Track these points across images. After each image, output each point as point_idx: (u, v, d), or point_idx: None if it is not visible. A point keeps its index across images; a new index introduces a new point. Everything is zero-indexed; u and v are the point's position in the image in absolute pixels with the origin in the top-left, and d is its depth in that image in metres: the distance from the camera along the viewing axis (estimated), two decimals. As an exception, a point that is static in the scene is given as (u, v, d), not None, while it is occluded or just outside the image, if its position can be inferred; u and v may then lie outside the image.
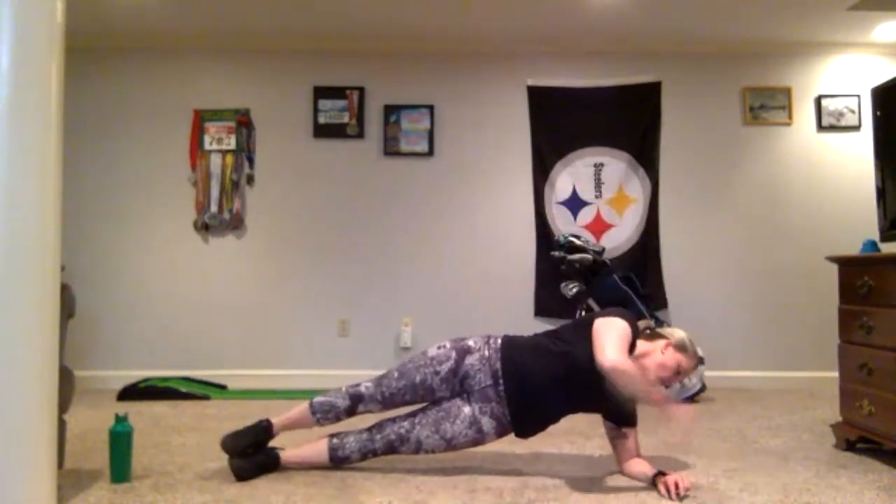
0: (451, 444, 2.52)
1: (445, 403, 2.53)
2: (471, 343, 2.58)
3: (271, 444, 2.61)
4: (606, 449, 2.73)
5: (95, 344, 4.70)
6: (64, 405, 2.43)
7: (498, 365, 2.51)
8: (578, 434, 3.14)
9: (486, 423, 2.50)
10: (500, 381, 2.50)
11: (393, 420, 2.56)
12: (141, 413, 3.71)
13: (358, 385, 2.58)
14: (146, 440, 3.06)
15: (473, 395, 2.52)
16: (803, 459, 2.80)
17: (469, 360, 2.54)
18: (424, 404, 2.59)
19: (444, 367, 2.53)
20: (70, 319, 2.51)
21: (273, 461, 2.54)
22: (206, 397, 4.32)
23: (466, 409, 2.51)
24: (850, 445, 2.92)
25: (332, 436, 2.56)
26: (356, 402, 2.55)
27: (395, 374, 2.57)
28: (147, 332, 4.80)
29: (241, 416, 3.55)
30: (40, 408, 2.03)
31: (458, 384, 2.53)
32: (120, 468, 2.45)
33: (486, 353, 2.54)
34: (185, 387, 4.43)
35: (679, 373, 2.51)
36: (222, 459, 2.55)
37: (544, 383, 2.48)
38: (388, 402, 2.56)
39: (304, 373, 4.75)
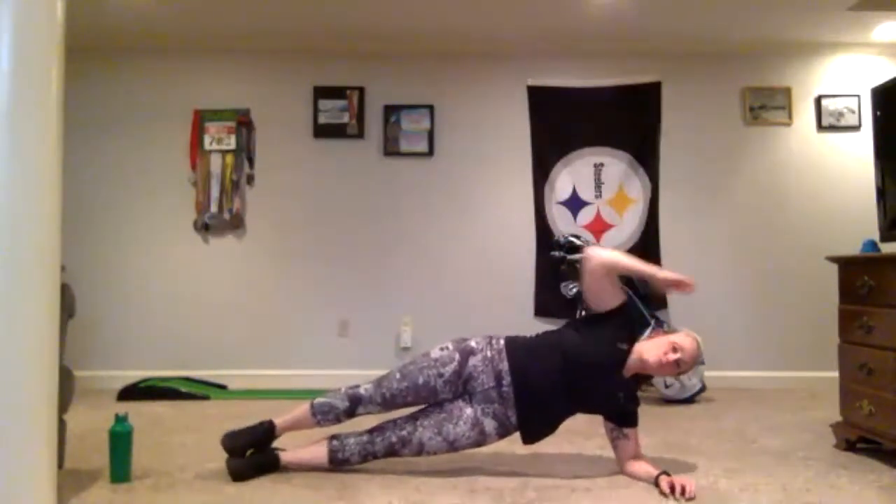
0: (453, 446, 2.52)
1: (447, 405, 2.53)
2: (473, 344, 2.58)
3: (274, 445, 2.61)
4: (606, 449, 2.72)
5: (95, 344, 4.70)
6: (64, 405, 2.43)
7: (501, 366, 2.51)
8: (578, 434, 3.13)
9: (489, 425, 2.50)
10: (504, 382, 2.50)
11: (394, 422, 2.55)
12: (141, 413, 3.70)
13: (357, 387, 2.57)
14: (146, 440, 3.05)
15: (475, 396, 2.52)
16: (803, 459, 2.81)
17: (472, 361, 2.54)
18: (424, 406, 2.58)
19: (448, 369, 2.53)
20: (70, 319, 2.51)
21: (272, 462, 2.54)
22: (206, 397, 4.32)
23: (468, 411, 2.51)
24: (850, 445, 2.92)
25: (332, 437, 2.56)
26: (355, 404, 2.54)
27: (397, 376, 2.56)
28: (147, 332, 4.80)
29: (241, 416, 3.54)
30: (40, 408, 2.03)
31: (462, 386, 2.53)
32: (120, 468, 2.45)
33: (489, 354, 2.54)
34: (185, 387, 4.43)
35: (676, 350, 2.47)
36: (222, 459, 2.55)
37: (545, 380, 2.49)
38: (388, 403, 2.55)
39: (304, 373, 4.74)
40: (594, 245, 2.55)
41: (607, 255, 2.58)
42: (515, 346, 2.57)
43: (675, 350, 2.48)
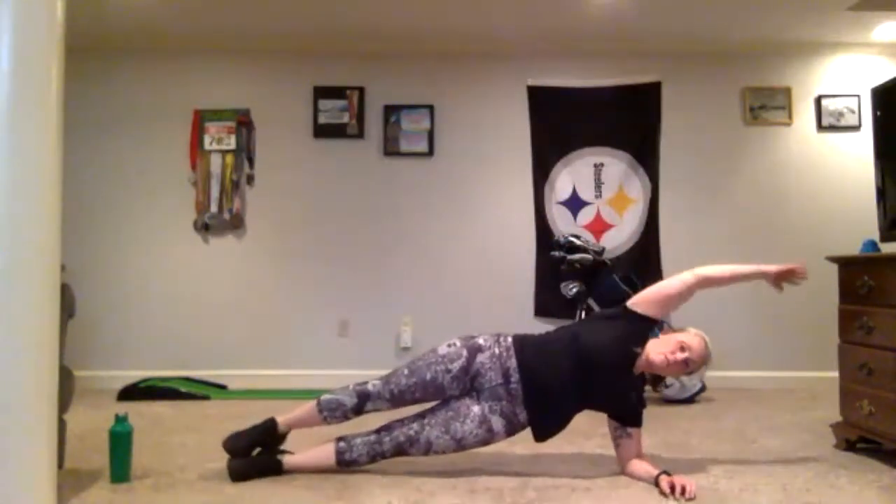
0: (461, 444, 2.51)
1: (454, 403, 2.53)
2: (481, 341, 2.58)
3: (283, 447, 2.61)
4: (606, 449, 2.73)
5: (95, 344, 4.69)
6: (64, 405, 2.43)
7: (509, 363, 2.51)
8: (578, 434, 3.13)
9: (496, 422, 2.50)
10: (512, 379, 2.49)
11: (401, 421, 2.54)
12: (141, 413, 3.70)
13: (365, 383, 2.56)
14: (146, 440, 3.05)
15: (483, 393, 2.51)
16: (803, 459, 2.80)
17: (480, 358, 2.53)
18: (431, 405, 2.58)
19: (456, 366, 2.52)
20: (70, 319, 2.51)
21: (275, 465, 2.53)
22: (206, 397, 4.32)
23: (476, 409, 2.50)
24: (850, 445, 2.92)
25: (339, 439, 2.54)
26: (364, 400, 2.53)
27: (405, 372, 2.56)
28: (147, 332, 4.80)
29: (242, 416, 3.54)
30: (40, 408, 2.03)
31: (469, 382, 2.53)
32: (120, 468, 2.45)
33: (497, 350, 2.54)
34: (185, 387, 4.43)
35: (684, 349, 2.47)
36: (222, 459, 2.55)
37: (555, 378, 2.48)
38: (396, 400, 2.55)
39: (305, 373, 4.74)
40: (700, 268, 2.60)
41: (711, 270, 2.60)
42: (524, 344, 2.57)
43: (682, 349, 2.47)
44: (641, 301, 2.59)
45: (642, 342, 2.53)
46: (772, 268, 2.60)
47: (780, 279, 2.61)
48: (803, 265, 2.59)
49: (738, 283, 2.71)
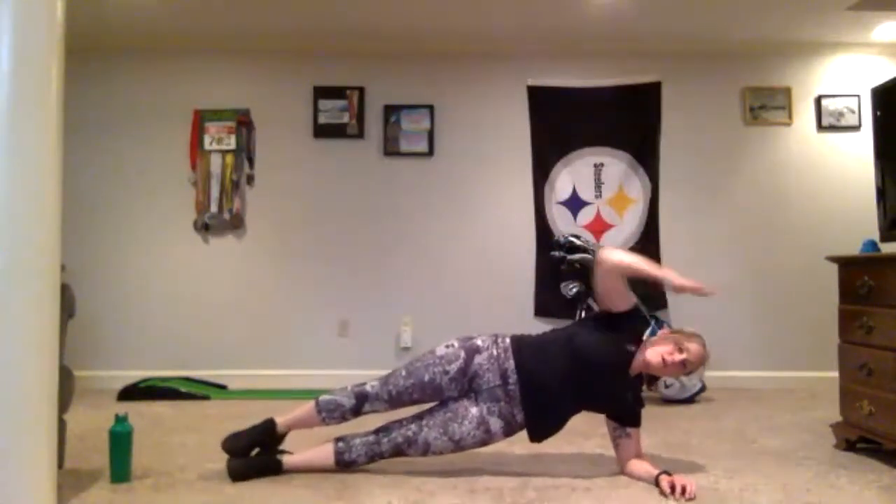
0: (459, 446, 2.52)
1: (452, 404, 2.53)
2: (479, 342, 2.58)
3: (282, 447, 2.62)
4: (606, 449, 2.73)
5: (95, 344, 4.69)
6: (64, 405, 2.43)
7: (507, 364, 2.51)
8: (578, 434, 3.13)
9: (495, 424, 2.50)
10: (510, 380, 2.50)
11: (399, 422, 2.54)
12: (141, 413, 3.70)
13: (363, 384, 2.57)
14: (146, 440, 3.05)
15: (481, 394, 2.52)
16: (803, 459, 2.81)
17: (478, 359, 2.53)
18: (430, 405, 2.58)
19: (454, 367, 2.53)
20: (70, 319, 2.51)
21: (274, 465, 2.53)
22: (206, 397, 4.32)
23: (474, 410, 2.51)
24: (850, 445, 2.92)
25: (337, 439, 2.55)
26: (362, 401, 2.53)
27: (403, 373, 2.56)
28: (147, 332, 4.80)
29: (242, 416, 3.54)
30: (40, 408, 2.03)
31: (467, 384, 2.53)
32: (120, 468, 2.45)
33: (495, 352, 2.54)
34: (185, 387, 4.44)
35: (682, 350, 2.46)
36: (222, 459, 2.55)
37: (552, 378, 2.49)
38: (394, 401, 2.55)
39: (304, 373, 4.74)
40: (606, 247, 2.53)
41: (618, 257, 2.56)
42: (522, 345, 2.57)
43: (680, 350, 2.47)
44: (602, 304, 2.59)
45: (634, 340, 2.54)
46: (676, 280, 2.48)
47: (680, 291, 2.52)
48: (711, 291, 2.47)
49: (641, 277, 2.57)
